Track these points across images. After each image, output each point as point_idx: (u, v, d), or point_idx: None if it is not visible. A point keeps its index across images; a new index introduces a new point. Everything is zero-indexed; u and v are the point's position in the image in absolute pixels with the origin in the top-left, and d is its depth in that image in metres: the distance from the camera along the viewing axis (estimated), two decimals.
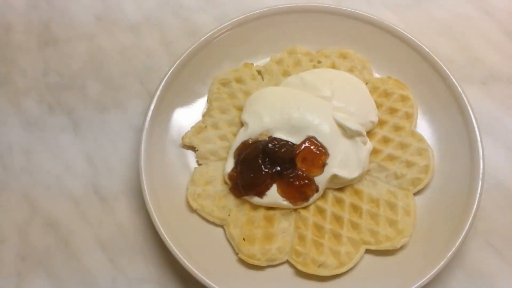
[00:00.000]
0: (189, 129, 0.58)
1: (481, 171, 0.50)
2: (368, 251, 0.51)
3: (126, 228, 0.58)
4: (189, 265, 0.49)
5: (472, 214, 0.48)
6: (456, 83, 0.55)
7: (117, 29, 0.70)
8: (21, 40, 0.69)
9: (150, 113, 0.56)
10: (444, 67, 0.56)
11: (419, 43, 0.58)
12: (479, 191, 0.49)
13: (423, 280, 0.47)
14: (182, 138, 0.58)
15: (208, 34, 0.60)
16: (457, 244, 0.47)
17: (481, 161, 0.51)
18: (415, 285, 0.47)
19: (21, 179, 0.61)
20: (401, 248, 0.50)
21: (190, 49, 0.59)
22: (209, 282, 0.49)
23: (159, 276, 0.55)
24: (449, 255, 0.47)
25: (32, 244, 0.57)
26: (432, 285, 0.50)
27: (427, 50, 0.57)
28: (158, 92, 0.57)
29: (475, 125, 0.52)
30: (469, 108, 0.53)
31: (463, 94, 0.54)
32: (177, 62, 0.59)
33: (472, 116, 0.53)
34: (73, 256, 0.56)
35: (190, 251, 0.51)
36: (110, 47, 0.69)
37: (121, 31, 0.70)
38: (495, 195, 0.56)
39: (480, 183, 0.50)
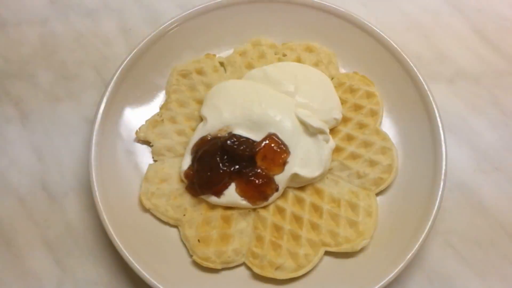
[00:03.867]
0: (144, 122, 0.55)
1: (443, 172, 0.49)
2: (327, 253, 0.49)
3: (75, 228, 0.54)
4: (139, 268, 0.47)
5: (433, 216, 0.47)
6: (423, 81, 0.53)
7: (73, 14, 0.66)
8: None
9: (102, 105, 0.53)
10: (412, 65, 0.54)
11: (387, 38, 0.56)
12: (440, 193, 0.48)
13: (382, 283, 0.46)
14: (136, 132, 0.55)
15: (169, 22, 0.57)
16: (417, 246, 0.46)
17: (443, 162, 0.49)
18: None
19: None
20: (361, 250, 0.49)
21: (148, 38, 0.56)
22: (161, 287, 0.46)
23: (109, 279, 0.52)
24: (408, 257, 0.46)
25: None
26: (392, 287, 0.48)
27: (395, 46, 0.56)
28: (112, 83, 0.54)
29: (440, 125, 0.51)
30: (434, 107, 0.52)
31: (429, 93, 0.53)
32: (134, 51, 0.56)
33: (437, 115, 0.52)
34: (15, 257, 0.53)
35: (141, 253, 0.48)
36: (64, 33, 0.65)
37: (77, 16, 0.66)
38: (457, 195, 0.55)
39: (441, 184, 0.49)
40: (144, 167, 0.54)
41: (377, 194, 0.52)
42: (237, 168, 0.50)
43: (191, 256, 0.49)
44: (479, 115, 0.59)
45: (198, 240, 0.49)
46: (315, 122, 0.51)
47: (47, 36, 0.65)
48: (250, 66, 0.58)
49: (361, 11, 0.63)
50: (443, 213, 0.49)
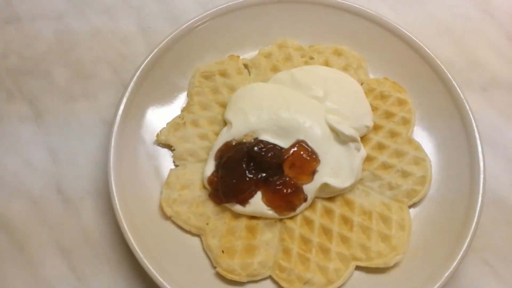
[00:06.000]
0: (165, 125, 0.53)
1: (481, 186, 0.47)
2: (358, 268, 0.47)
3: (91, 234, 0.52)
4: (160, 279, 0.45)
5: (471, 233, 0.45)
6: (458, 88, 0.51)
7: (90, 10, 0.64)
8: None
9: (122, 106, 0.51)
10: (446, 71, 0.52)
11: (420, 43, 0.54)
12: (478, 208, 0.46)
13: None
14: (157, 135, 0.52)
15: (191, 21, 0.55)
16: (455, 264, 0.44)
17: (481, 176, 0.47)
18: None
19: None
20: (394, 265, 0.46)
21: (170, 37, 0.54)
22: None
23: None
24: (446, 275, 0.44)
25: None
26: None
27: (428, 51, 0.54)
28: (132, 83, 0.52)
29: (477, 136, 0.49)
30: (471, 116, 0.50)
31: (465, 101, 0.51)
32: (155, 50, 0.54)
33: (474, 125, 0.50)
34: (29, 263, 0.51)
35: (162, 263, 0.46)
36: (80, 30, 0.63)
37: (94, 12, 0.64)
38: (493, 210, 0.53)
39: (480, 199, 0.46)
40: (165, 172, 0.51)
41: (410, 207, 0.50)
42: (264, 176, 0.48)
43: (214, 267, 0.47)
44: None
45: (222, 251, 0.47)
46: (347, 129, 0.48)
47: (63, 32, 0.63)
48: (275, 69, 0.55)
49: (390, 15, 0.60)
50: (478, 229, 0.46)
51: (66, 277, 0.50)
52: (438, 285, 0.43)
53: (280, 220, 0.48)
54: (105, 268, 0.50)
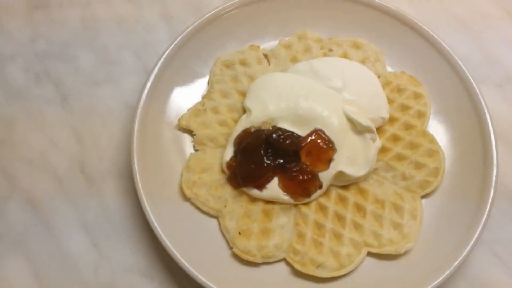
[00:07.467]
0: (187, 111, 0.55)
1: (493, 179, 0.48)
2: (370, 254, 0.49)
3: (113, 212, 0.54)
4: (179, 256, 0.46)
5: (482, 224, 0.46)
6: (474, 84, 0.52)
7: None
8: (7, 2, 0.64)
9: (146, 90, 0.52)
10: (463, 66, 0.53)
11: (438, 38, 0.55)
12: (490, 201, 0.47)
13: None
14: (179, 120, 0.54)
15: (214, 11, 0.56)
16: (464, 254, 0.45)
17: (494, 170, 0.48)
18: None
19: (1, 151, 0.56)
20: (405, 253, 0.48)
21: (193, 26, 0.55)
22: (200, 276, 0.46)
23: (146, 265, 0.52)
24: (454, 265, 0.45)
25: (9, 222, 0.54)
26: None
27: (446, 46, 0.55)
28: (156, 69, 0.53)
29: (491, 130, 0.50)
30: (486, 111, 0.51)
31: (480, 96, 0.52)
32: (179, 38, 0.55)
33: (489, 120, 0.50)
34: (53, 238, 0.53)
35: (181, 242, 0.48)
36: (106, 17, 0.65)
37: (119, 0, 0.65)
38: (504, 204, 0.54)
39: (492, 191, 0.47)
40: (185, 156, 0.53)
41: (423, 197, 0.51)
42: (281, 162, 0.49)
43: (230, 248, 0.49)
44: None
45: (239, 233, 0.48)
46: (364, 120, 0.50)
47: (89, 18, 0.64)
48: (294, 60, 0.57)
49: (409, 10, 0.61)
50: (489, 221, 0.47)
51: (88, 252, 0.52)
52: (447, 273, 0.45)
53: (295, 205, 0.50)
54: (125, 245, 0.52)
